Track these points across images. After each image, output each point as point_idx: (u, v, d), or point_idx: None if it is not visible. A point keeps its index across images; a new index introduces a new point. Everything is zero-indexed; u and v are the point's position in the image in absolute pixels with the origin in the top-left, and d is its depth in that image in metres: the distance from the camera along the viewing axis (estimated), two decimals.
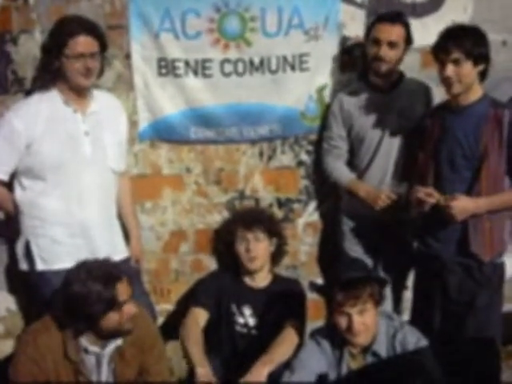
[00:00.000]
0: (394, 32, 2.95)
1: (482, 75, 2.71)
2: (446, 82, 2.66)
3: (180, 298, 3.43)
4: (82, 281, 2.36)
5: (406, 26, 3.00)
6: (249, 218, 3.07)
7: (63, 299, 2.41)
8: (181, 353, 3.32)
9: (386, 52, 2.95)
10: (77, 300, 2.35)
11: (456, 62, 2.61)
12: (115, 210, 2.97)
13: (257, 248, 2.99)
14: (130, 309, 2.43)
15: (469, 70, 2.63)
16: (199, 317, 2.95)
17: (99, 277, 2.37)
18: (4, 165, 2.72)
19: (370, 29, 3.05)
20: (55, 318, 2.46)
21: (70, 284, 2.38)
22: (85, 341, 2.45)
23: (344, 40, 3.25)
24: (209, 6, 3.08)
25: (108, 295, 2.36)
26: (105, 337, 2.45)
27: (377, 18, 3.02)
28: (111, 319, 2.39)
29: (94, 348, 2.47)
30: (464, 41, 2.60)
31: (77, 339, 2.43)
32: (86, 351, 2.46)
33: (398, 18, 2.99)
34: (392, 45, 2.95)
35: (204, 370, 2.67)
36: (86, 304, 2.34)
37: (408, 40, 3.01)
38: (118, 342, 2.49)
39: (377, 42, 2.96)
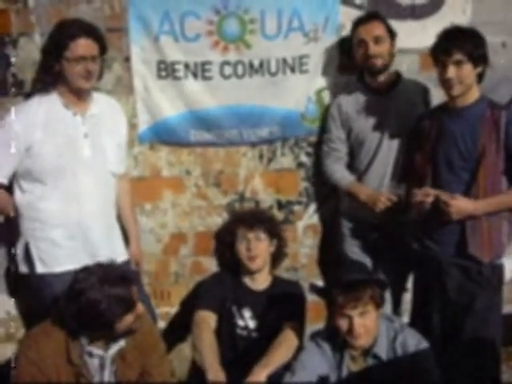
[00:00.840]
0: (375, 28, 3.00)
1: (480, 77, 2.72)
2: (447, 84, 2.66)
3: (180, 301, 3.43)
4: (97, 287, 2.32)
5: (384, 21, 3.04)
6: (250, 217, 3.06)
7: (77, 309, 2.35)
8: (181, 355, 3.34)
9: (374, 48, 2.98)
10: (95, 307, 2.31)
11: (458, 64, 2.62)
12: (115, 213, 2.96)
13: (258, 247, 2.99)
14: (140, 308, 2.44)
15: (469, 71, 2.64)
16: (209, 320, 2.92)
17: (115, 280, 2.36)
18: (3, 168, 2.71)
19: (351, 38, 3.08)
20: (57, 321, 2.45)
21: (84, 293, 2.33)
22: (88, 345, 2.44)
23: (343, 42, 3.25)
24: (208, 9, 3.08)
25: (127, 297, 2.36)
26: (112, 339, 2.45)
27: (354, 24, 3.07)
28: (127, 321, 2.40)
29: (98, 351, 2.46)
30: (465, 42, 2.61)
31: (82, 343, 2.43)
32: (91, 354, 2.46)
33: (372, 15, 3.05)
34: (377, 40, 2.98)
35: (218, 376, 2.65)
36: (106, 309, 2.31)
37: (391, 34, 3.04)
38: (121, 343, 2.49)
39: (363, 43, 3.00)
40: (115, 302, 2.32)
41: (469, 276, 2.74)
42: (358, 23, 3.04)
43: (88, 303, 2.32)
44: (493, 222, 2.73)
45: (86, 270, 2.42)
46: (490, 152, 2.65)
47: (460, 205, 2.66)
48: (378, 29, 3.00)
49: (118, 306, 2.33)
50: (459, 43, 2.61)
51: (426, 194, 2.72)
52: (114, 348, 2.48)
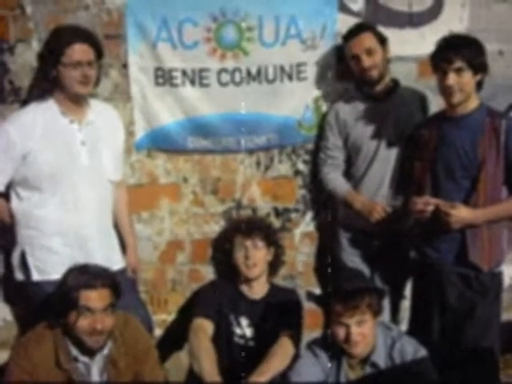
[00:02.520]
0: (365, 40, 3.00)
1: (479, 85, 2.72)
2: (448, 91, 2.65)
3: (177, 309, 3.42)
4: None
5: (373, 30, 3.05)
6: (248, 225, 3.06)
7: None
8: (178, 363, 3.32)
9: (367, 61, 2.98)
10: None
11: (458, 71, 2.61)
12: (112, 220, 2.95)
13: (255, 255, 2.98)
14: (102, 322, 2.41)
15: (469, 78, 2.64)
16: (207, 328, 2.91)
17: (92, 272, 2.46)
18: (0, 175, 2.70)
19: (343, 51, 3.10)
20: (47, 326, 2.47)
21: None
22: (75, 350, 2.45)
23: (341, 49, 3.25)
24: (206, 16, 3.08)
25: (90, 281, 2.42)
26: (82, 345, 2.45)
27: (344, 39, 3.08)
28: (83, 325, 2.39)
29: (83, 358, 2.46)
30: (465, 50, 2.61)
31: (68, 348, 2.43)
32: (76, 360, 2.46)
33: (360, 27, 3.05)
34: (369, 52, 2.99)
35: None
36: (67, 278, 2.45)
37: (382, 41, 3.04)
38: (105, 351, 2.49)
39: (356, 57, 3.01)
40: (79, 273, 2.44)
41: (469, 284, 2.74)
42: (348, 37, 3.05)
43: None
44: (493, 230, 2.72)
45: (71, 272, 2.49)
46: (490, 160, 2.65)
47: (460, 214, 2.66)
48: (367, 41, 2.99)
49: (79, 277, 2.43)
50: (460, 51, 2.61)
51: (427, 203, 2.71)
52: (99, 356, 2.48)
